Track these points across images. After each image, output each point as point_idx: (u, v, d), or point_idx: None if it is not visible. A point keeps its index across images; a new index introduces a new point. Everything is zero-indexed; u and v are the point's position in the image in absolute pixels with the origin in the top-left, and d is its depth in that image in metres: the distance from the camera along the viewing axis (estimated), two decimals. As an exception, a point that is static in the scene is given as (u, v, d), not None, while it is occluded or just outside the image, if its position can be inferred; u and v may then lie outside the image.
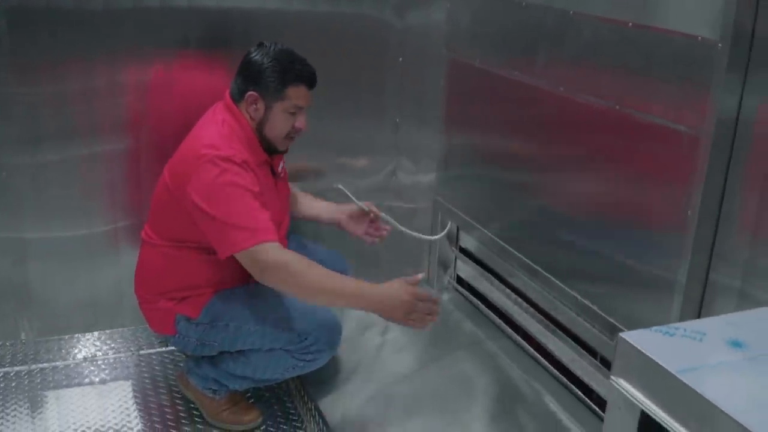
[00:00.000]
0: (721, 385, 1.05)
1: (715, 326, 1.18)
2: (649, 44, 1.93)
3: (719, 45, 1.71)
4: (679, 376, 1.05)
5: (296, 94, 2.27)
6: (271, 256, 2.08)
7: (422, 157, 3.07)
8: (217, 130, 2.24)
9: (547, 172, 2.44)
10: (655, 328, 1.17)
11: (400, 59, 2.91)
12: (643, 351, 1.10)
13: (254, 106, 2.26)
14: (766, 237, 1.73)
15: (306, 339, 2.31)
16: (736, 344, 1.13)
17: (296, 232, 2.74)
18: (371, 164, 3.03)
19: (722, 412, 1.00)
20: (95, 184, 2.69)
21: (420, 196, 3.12)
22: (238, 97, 2.29)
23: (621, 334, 1.14)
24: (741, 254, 1.79)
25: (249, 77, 2.26)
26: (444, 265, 3.20)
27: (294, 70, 2.26)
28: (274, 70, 2.24)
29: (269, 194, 2.31)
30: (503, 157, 2.67)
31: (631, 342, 1.12)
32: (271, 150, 2.34)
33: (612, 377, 1.16)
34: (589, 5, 2.13)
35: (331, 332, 2.38)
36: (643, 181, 2.02)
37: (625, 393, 1.12)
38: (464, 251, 3.05)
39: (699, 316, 1.92)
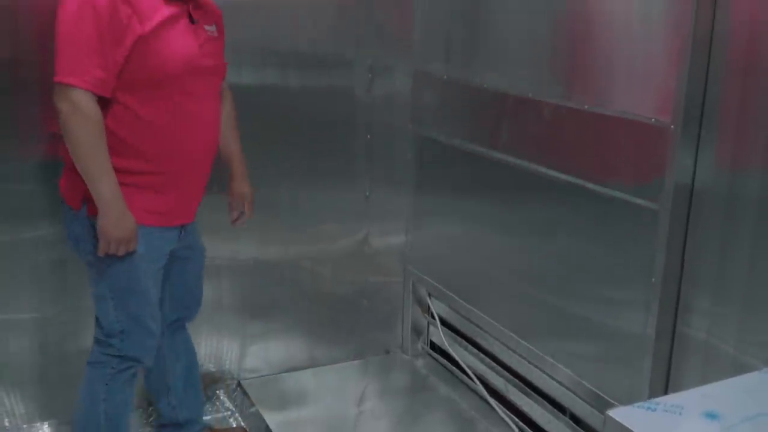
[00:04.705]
0: (702, 457, 1.15)
1: (692, 399, 1.29)
2: (605, 126, 2.09)
3: (672, 127, 1.87)
4: (664, 450, 1.15)
5: None
6: (72, 102, 1.99)
7: (392, 228, 3.18)
8: None
9: (514, 243, 2.57)
10: (637, 404, 1.27)
11: (368, 136, 3.03)
12: (629, 428, 1.20)
13: None
14: (726, 294, 1.87)
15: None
16: (712, 416, 1.24)
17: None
18: (342, 235, 3.12)
19: (706, 483, 1.10)
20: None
21: (392, 265, 3.22)
22: None
23: (608, 412, 1.24)
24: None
25: None
26: (417, 331, 3.28)
27: None
28: None
29: (179, 29, 2.13)
30: (471, 227, 2.79)
31: (618, 420, 1.22)
32: None
33: (602, 453, 1.26)
34: (546, 92, 2.30)
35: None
36: (608, 248, 2.15)
37: (615, 467, 1.21)
38: (437, 317, 3.15)
39: (669, 372, 2.04)
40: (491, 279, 2.70)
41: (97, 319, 2.26)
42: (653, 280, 1.98)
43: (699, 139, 1.86)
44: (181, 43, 2.12)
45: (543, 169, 2.34)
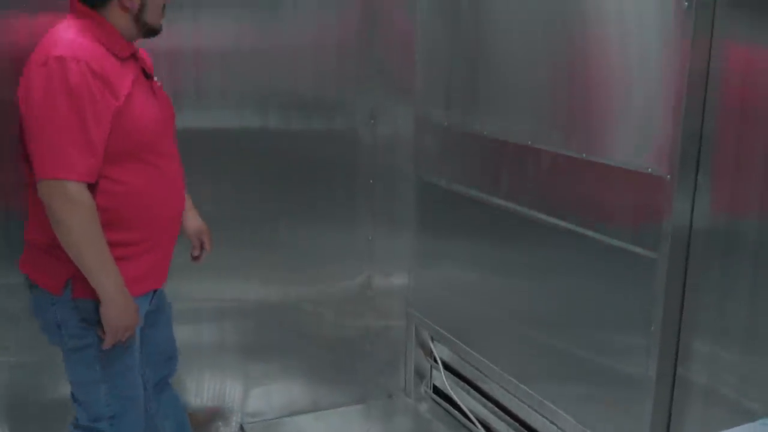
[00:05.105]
0: None
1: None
2: (603, 175, 2.11)
3: (668, 177, 1.89)
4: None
5: None
6: (67, 196, 1.87)
7: (394, 272, 3.19)
8: (64, 35, 1.92)
9: (515, 288, 2.58)
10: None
11: (371, 181, 3.06)
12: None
13: None
14: (726, 339, 1.87)
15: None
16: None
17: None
18: (344, 278, 3.14)
19: None
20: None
21: (394, 309, 3.23)
22: (99, 1, 1.99)
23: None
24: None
25: None
26: (420, 375, 3.28)
27: None
28: None
29: (142, 89, 2.05)
30: (473, 271, 2.80)
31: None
32: (148, 33, 2.09)
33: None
34: (545, 140, 2.33)
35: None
36: (608, 295, 2.16)
37: None
38: (439, 361, 3.15)
39: (670, 417, 2.04)
40: (492, 323, 2.71)
41: (77, 402, 2.11)
42: (652, 328, 1.99)
43: (695, 186, 1.88)
44: (147, 102, 2.04)
45: (543, 216, 2.36)
